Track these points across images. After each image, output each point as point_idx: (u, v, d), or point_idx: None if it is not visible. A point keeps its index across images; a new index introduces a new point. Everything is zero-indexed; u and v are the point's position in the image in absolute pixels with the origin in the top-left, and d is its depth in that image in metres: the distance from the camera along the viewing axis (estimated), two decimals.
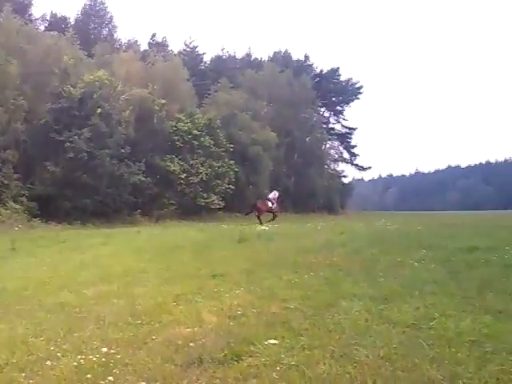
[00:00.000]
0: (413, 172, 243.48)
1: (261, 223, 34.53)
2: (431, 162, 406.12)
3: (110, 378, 5.27)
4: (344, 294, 8.75)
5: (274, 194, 38.73)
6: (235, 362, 5.60)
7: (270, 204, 37.51)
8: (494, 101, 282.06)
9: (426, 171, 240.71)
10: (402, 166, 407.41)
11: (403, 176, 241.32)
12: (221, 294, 9.43)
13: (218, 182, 52.91)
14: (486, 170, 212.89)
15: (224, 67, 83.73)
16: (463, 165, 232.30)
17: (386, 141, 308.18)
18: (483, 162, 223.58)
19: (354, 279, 10.35)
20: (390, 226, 26.23)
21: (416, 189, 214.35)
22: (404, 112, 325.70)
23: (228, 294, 9.30)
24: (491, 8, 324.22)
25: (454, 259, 12.49)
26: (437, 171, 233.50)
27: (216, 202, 51.91)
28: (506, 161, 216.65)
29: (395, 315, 7.15)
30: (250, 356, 5.76)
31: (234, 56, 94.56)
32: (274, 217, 37.29)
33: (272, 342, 6.11)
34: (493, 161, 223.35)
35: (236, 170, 55.40)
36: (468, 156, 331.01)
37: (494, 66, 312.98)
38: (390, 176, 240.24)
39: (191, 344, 6.23)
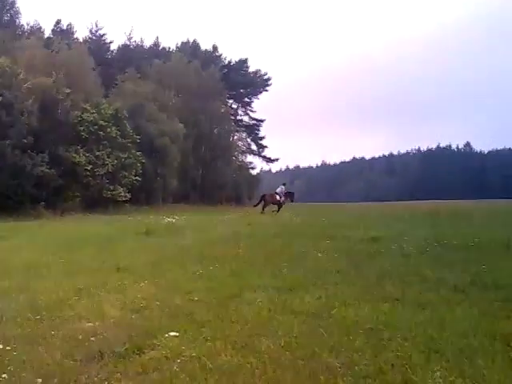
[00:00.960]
0: (319, 164, 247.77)
1: (262, 212, 37.88)
2: (337, 154, 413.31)
3: (4, 375, 5.06)
4: (248, 285, 8.85)
5: (281, 189, 40.82)
6: (137, 356, 5.53)
7: (277, 197, 39.79)
8: (398, 95, 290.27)
9: (332, 163, 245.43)
10: (309, 157, 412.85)
11: (310, 167, 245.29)
12: (124, 287, 9.30)
13: (125, 173, 51.88)
14: (390, 162, 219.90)
15: (131, 56, 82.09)
16: (368, 156, 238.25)
17: (293, 132, 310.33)
18: (386, 154, 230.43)
19: (258, 270, 10.48)
20: (296, 217, 26.72)
21: (322, 180, 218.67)
22: (310, 104, 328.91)
23: (132, 287, 9.19)
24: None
25: (356, 249, 12.90)
26: (342, 163, 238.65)
27: (123, 194, 50.87)
28: (407, 152, 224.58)
29: (297, 305, 7.30)
30: (152, 349, 5.72)
31: (142, 45, 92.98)
32: (279, 209, 39.18)
33: (174, 334, 6.08)
34: (395, 152, 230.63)
35: (143, 161, 54.47)
36: (372, 148, 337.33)
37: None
38: (297, 167, 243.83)
39: (92, 338, 6.10)
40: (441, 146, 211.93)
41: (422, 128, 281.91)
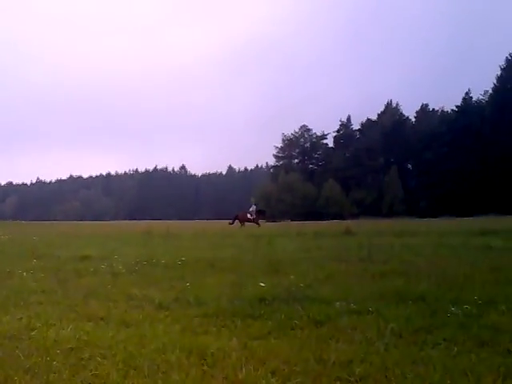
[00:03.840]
0: (34, 181, 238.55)
1: (242, 225, 45.37)
2: (53, 171, 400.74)
3: None
4: None
5: (252, 208, 48.61)
6: None
7: (248, 215, 47.56)
8: (117, 116, 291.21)
9: (47, 180, 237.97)
10: (23, 173, 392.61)
11: (24, 184, 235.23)
12: None
13: None
14: (107, 182, 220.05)
15: None
16: (85, 175, 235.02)
17: (8, 148, 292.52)
18: (104, 174, 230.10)
19: None
20: (3, 236, 25.40)
21: (37, 198, 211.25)
22: (26, 118, 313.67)
23: None
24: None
25: (65, 268, 12.65)
26: (59, 181, 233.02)
27: None
28: (125, 173, 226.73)
29: None
30: None
31: None
32: (257, 224, 45.99)
33: None
34: (113, 172, 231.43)
35: None
36: (90, 166, 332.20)
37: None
38: (10, 184, 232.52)
39: None
40: (158, 168, 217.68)
41: (140, 149, 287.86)
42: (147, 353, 5.70)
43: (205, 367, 5.29)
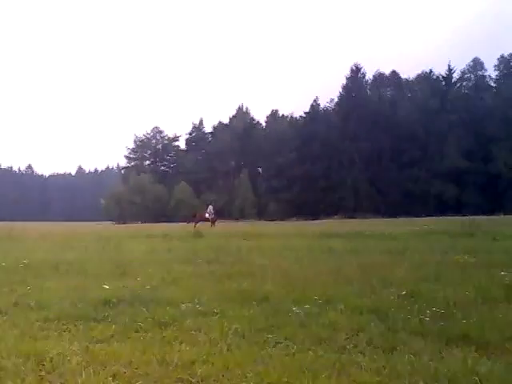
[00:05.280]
0: None
1: (194, 226, 44.27)
2: None
3: None
4: None
5: (209, 209, 51.63)
6: None
7: (206, 215, 50.69)
8: None
9: None
10: None
11: None
12: None
13: None
14: None
15: None
16: None
17: None
18: None
19: None
20: None
21: None
22: None
23: None
24: None
25: None
26: None
27: None
28: None
29: None
30: None
31: None
32: (212, 224, 47.74)
33: None
34: None
35: None
36: None
37: None
38: None
39: None
40: (2, 167, 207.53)
41: None
42: None
43: (43, 373, 5.15)
